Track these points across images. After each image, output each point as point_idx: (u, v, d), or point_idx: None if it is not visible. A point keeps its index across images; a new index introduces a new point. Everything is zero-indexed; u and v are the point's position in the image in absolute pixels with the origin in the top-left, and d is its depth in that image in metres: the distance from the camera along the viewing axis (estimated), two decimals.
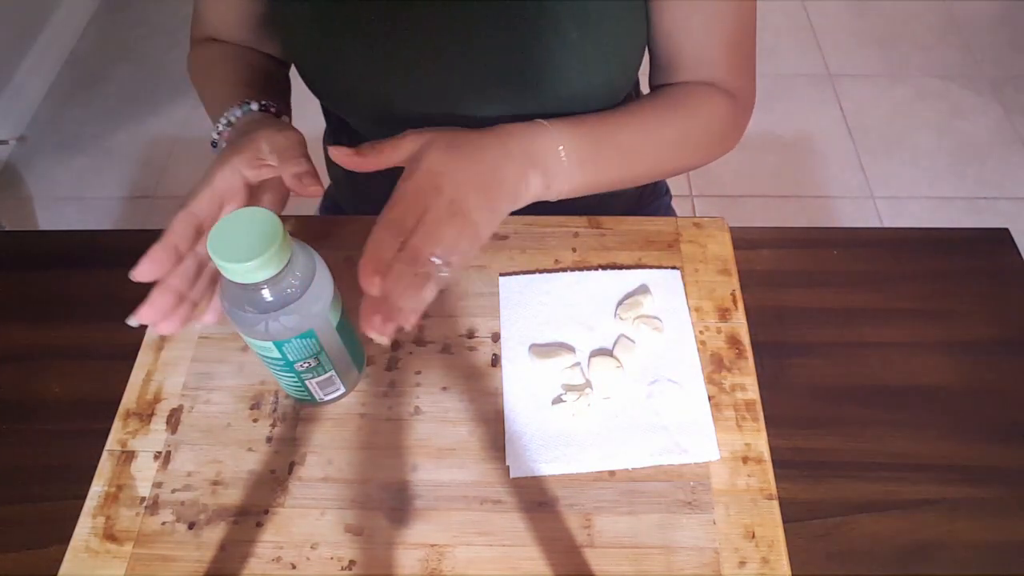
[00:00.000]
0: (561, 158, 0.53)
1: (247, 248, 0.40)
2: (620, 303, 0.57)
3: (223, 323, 0.57)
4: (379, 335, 0.41)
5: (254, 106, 0.58)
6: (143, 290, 0.45)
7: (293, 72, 0.73)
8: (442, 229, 0.44)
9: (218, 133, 0.58)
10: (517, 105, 0.61)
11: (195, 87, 0.68)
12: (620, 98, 0.65)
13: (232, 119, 0.57)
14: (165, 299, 0.45)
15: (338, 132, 0.78)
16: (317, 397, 0.52)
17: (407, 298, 0.42)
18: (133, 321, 0.46)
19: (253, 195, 0.50)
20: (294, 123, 0.62)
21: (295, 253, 0.43)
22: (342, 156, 0.48)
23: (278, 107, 0.59)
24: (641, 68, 0.67)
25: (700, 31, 0.60)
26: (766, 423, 0.52)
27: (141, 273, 0.45)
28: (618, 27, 0.58)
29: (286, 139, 0.51)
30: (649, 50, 0.65)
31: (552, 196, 0.54)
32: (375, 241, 0.43)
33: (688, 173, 1.75)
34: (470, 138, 0.50)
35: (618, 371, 0.54)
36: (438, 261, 0.43)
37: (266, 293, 0.42)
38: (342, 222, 0.64)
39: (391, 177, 0.79)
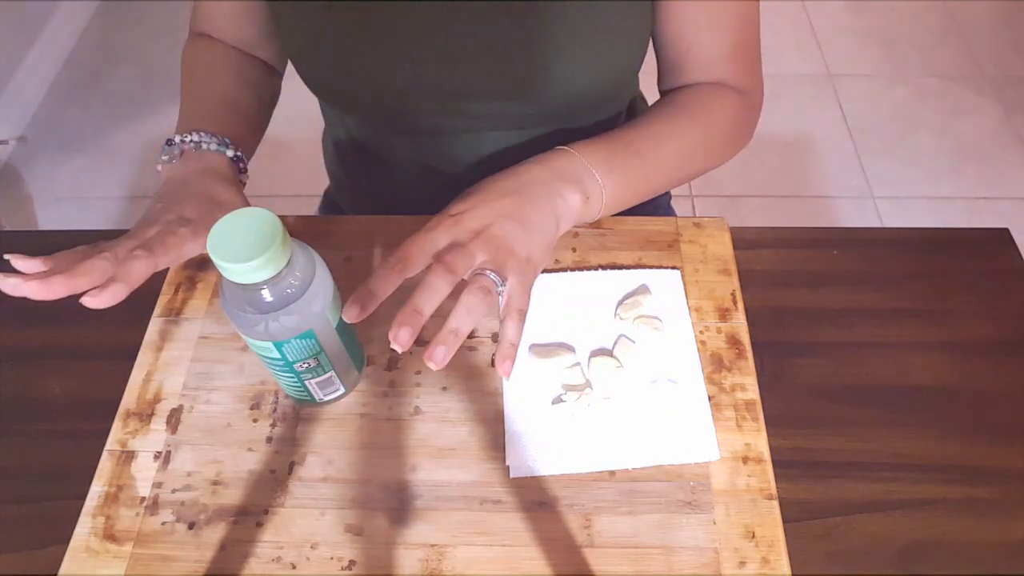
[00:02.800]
0: (590, 170, 0.54)
1: (247, 248, 0.40)
2: (620, 303, 0.57)
3: (222, 323, 0.57)
4: (401, 346, 0.41)
5: (229, 152, 0.57)
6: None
7: (288, 76, 0.73)
8: (488, 245, 0.47)
9: (181, 139, 0.56)
10: (518, 104, 0.61)
11: (182, 77, 0.68)
12: (622, 96, 0.65)
13: (204, 144, 0.56)
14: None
15: (336, 131, 0.78)
16: (317, 397, 0.52)
17: (465, 312, 0.44)
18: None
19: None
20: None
21: (295, 253, 0.43)
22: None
23: (246, 162, 0.60)
24: (643, 71, 0.67)
25: (708, 30, 0.60)
26: (766, 423, 0.52)
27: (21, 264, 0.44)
28: (619, 32, 0.59)
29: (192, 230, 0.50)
30: (657, 55, 0.65)
31: (593, 209, 0.55)
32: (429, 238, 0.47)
33: None
34: (498, 184, 0.52)
35: (618, 371, 0.54)
36: (493, 276, 0.46)
37: (266, 293, 0.42)
38: (342, 222, 0.64)
39: (390, 177, 0.79)
